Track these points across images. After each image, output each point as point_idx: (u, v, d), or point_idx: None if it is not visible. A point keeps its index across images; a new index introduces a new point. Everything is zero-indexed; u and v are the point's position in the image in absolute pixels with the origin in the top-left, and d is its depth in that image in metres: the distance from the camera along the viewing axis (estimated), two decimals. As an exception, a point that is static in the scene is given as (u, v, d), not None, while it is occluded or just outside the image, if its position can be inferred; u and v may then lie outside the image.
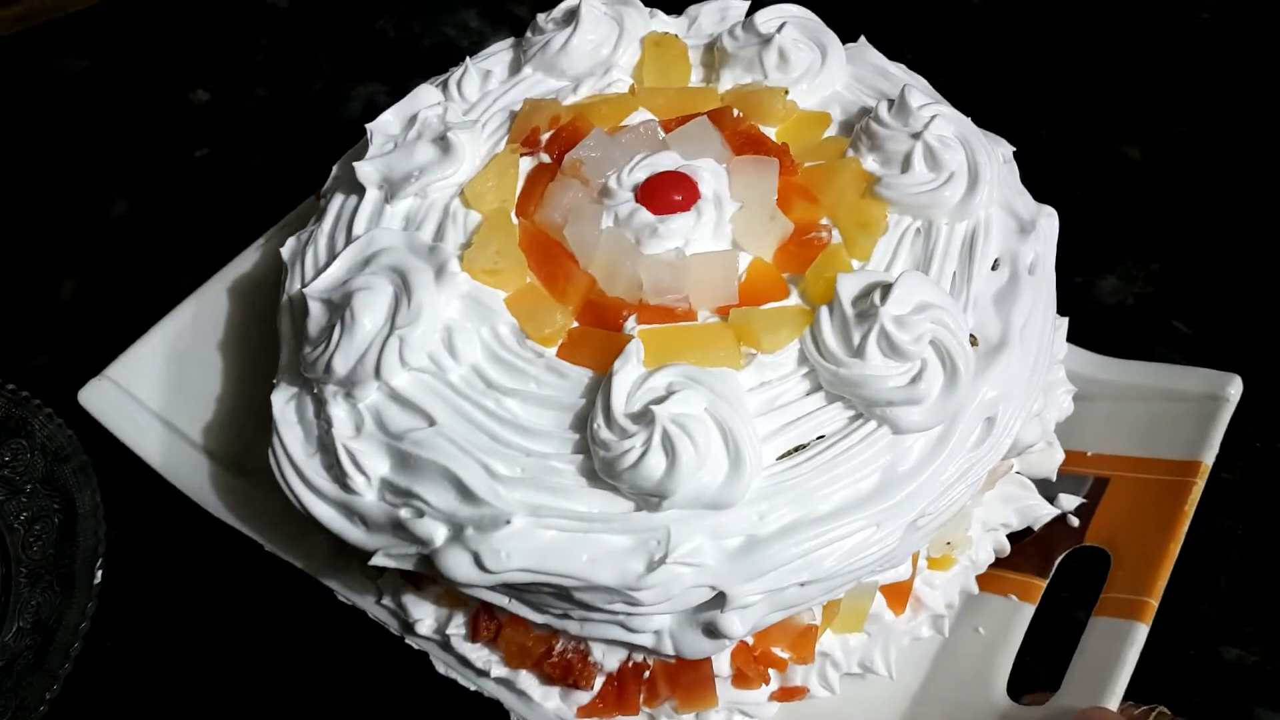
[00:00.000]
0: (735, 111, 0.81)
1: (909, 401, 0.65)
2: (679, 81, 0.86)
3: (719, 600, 0.64)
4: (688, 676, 0.70)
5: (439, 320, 0.71)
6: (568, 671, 0.71)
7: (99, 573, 0.85)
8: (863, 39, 0.90)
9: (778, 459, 0.66)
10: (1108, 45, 1.30)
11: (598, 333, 0.70)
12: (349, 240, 0.77)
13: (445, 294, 0.71)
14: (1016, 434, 0.70)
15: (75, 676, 0.83)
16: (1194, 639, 0.88)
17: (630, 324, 0.70)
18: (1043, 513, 0.80)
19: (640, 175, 0.75)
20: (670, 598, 0.63)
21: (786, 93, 0.82)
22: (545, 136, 0.80)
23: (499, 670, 0.74)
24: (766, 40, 0.84)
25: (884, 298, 0.66)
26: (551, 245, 0.74)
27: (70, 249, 1.11)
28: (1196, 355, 0.97)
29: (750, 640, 0.71)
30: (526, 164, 0.79)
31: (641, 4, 0.90)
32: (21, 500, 0.89)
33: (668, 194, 0.73)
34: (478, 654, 0.75)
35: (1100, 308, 1.03)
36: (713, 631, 0.65)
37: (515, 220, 0.76)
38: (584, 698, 0.73)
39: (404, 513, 0.67)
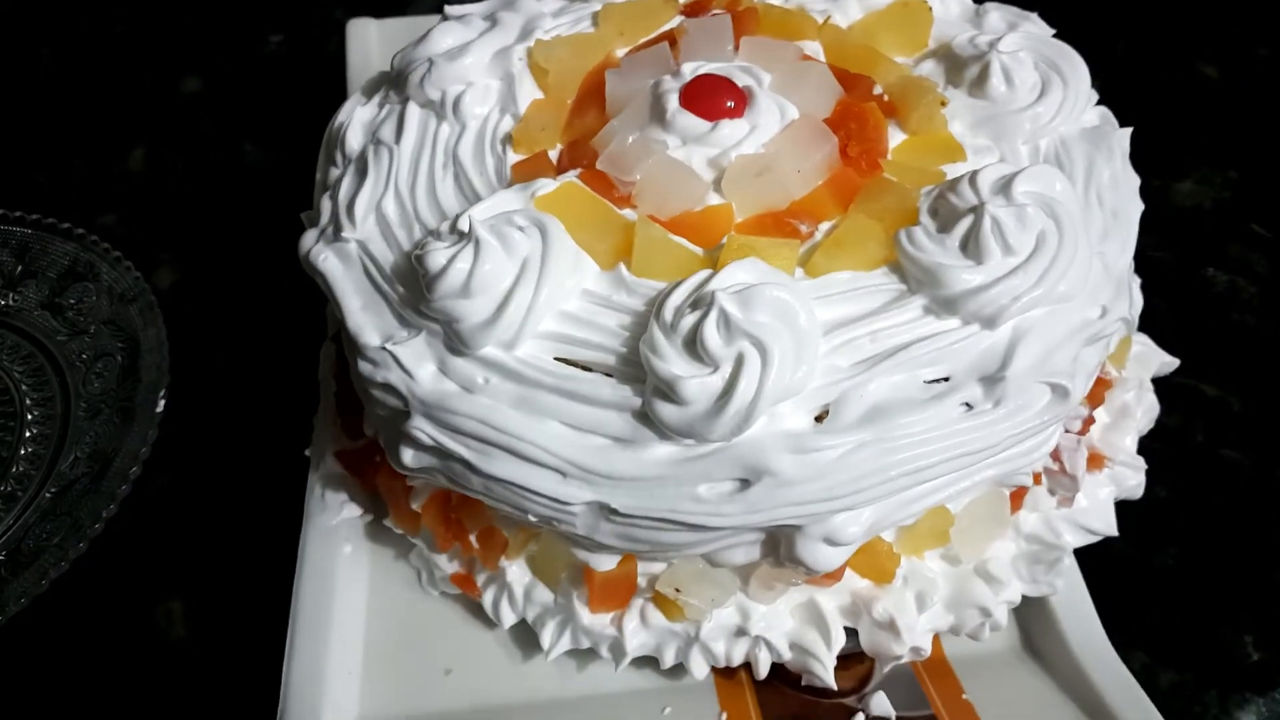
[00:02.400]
0: (879, 90, 0.71)
1: (669, 396, 0.57)
2: (894, 48, 0.76)
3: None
4: (394, 483, 0.70)
5: (471, 75, 0.74)
6: (348, 406, 0.75)
7: (161, 402, 0.82)
8: (1125, 133, 0.72)
9: (555, 359, 0.61)
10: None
11: (547, 165, 0.69)
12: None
13: (495, 63, 0.74)
14: (774, 523, 0.58)
15: (132, 505, 0.80)
16: None
17: (571, 174, 0.67)
18: (815, 672, 0.65)
19: (714, 74, 0.70)
20: (376, 384, 0.64)
21: (944, 104, 0.70)
22: (714, 12, 0.77)
23: (325, 370, 0.80)
24: (982, 55, 0.71)
25: (736, 292, 0.57)
26: (603, 84, 0.73)
27: (143, 120, 1.15)
28: (1276, 257, 1.00)
29: (452, 504, 0.68)
30: (676, 22, 0.77)
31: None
32: (85, 340, 0.88)
33: (709, 96, 0.68)
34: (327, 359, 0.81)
35: (1178, 210, 1.04)
36: (396, 450, 0.65)
37: (618, 54, 0.76)
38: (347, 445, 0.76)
39: (326, 192, 0.73)
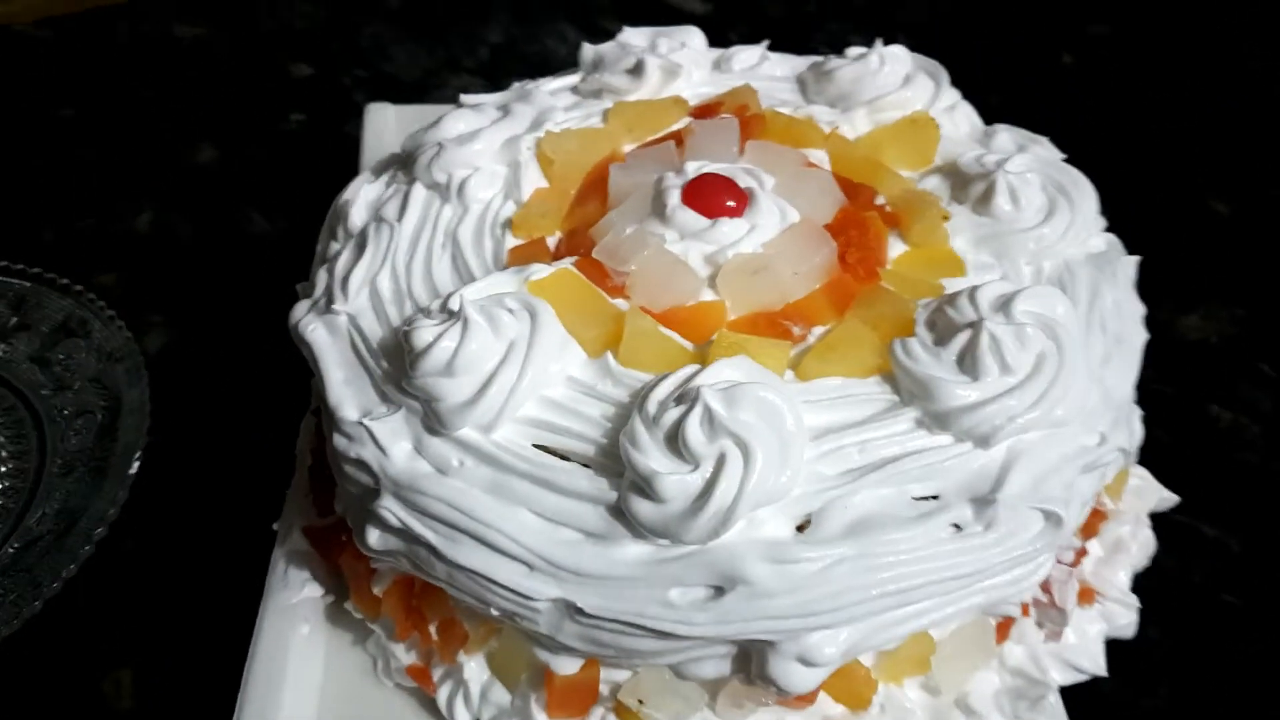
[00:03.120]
0: (882, 200, 0.71)
1: (646, 492, 0.55)
2: (900, 162, 0.76)
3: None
4: (358, 564, 0.68)
5: (478, 161, 0.74)
6: (321, 481, 0.73)
7: (136, 464, 0.80)
8: (1132, 260, 0.71)
9: (534, 446, 0.60)
10: (1198, 106, 1.33)
11: (544, 251, 0.69)
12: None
13: (504, 150, 0.75)
14: (746, 637, 0.55)
15: (94, 567, 0.78)
16: None
17: (567, 261, 0.67)
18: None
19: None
20: (349, 460, 0.62)
21: (946, 218, 0.69)
22: (722, 116, 0.77)
23: (303, 443, 0.78)
24: (989, 173, 0.71)
25: (722, 390, 0.55)
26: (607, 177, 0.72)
27: (154, 184, 1.15)
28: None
29: (415, 591, 0.66)
30: (685, 123, 0.78)
31: (951, 89, 0.81)
32: (68, 395, 0.87)
33: (710, 193, 0.68)
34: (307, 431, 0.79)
35: (1183, 343, 1.02)
36: (362, 530, 0.62)
37: (626, 149, 0.76)
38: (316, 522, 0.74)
39: (324, 265, 0.73)
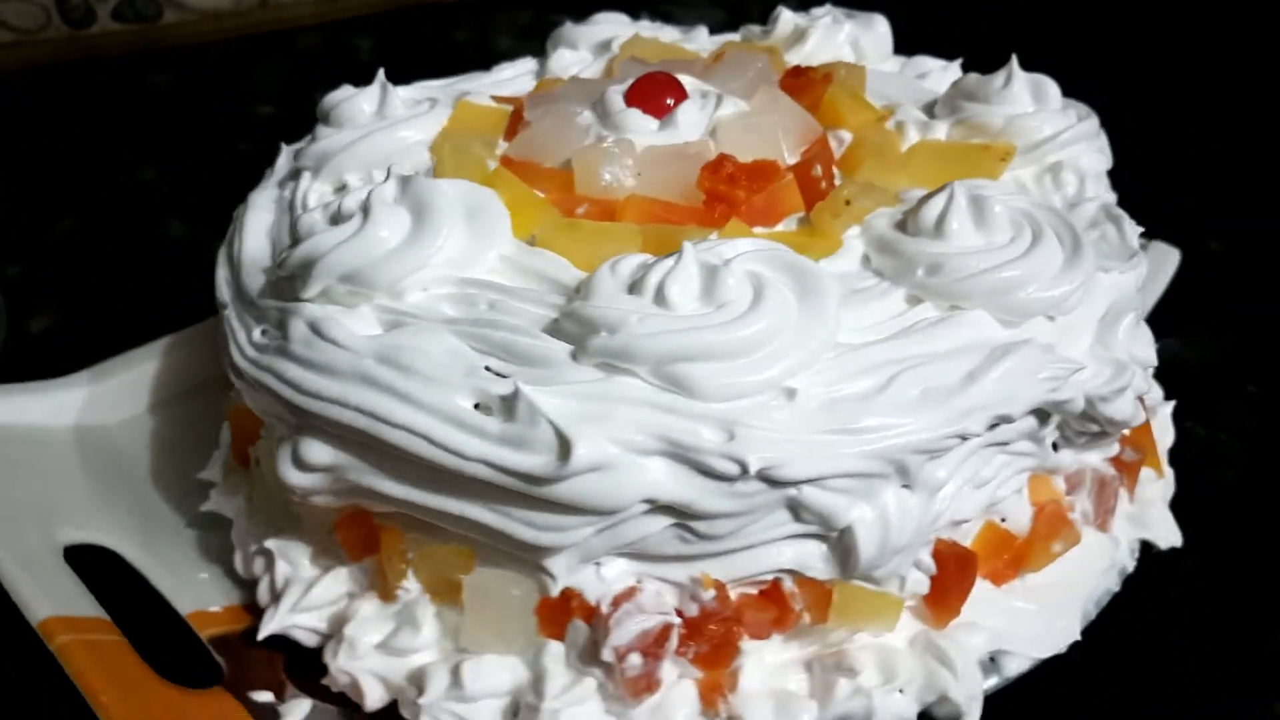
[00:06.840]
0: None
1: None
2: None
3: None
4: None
5: (582, 44, 0.77)
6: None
7: None
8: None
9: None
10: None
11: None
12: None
13: (602, 45, 0.77)
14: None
15: None
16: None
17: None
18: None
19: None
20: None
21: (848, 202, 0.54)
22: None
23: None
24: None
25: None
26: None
27: (87, 196, 1.08)
28: (1268, 417, 0.84)
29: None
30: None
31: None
32: None
33: (650, 86, 0.63)
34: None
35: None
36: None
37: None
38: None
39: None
